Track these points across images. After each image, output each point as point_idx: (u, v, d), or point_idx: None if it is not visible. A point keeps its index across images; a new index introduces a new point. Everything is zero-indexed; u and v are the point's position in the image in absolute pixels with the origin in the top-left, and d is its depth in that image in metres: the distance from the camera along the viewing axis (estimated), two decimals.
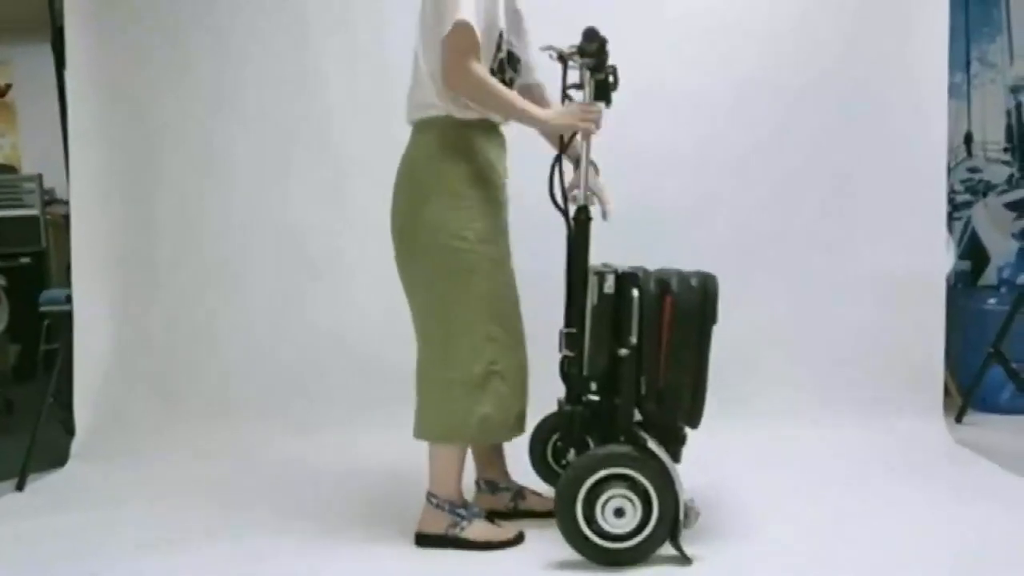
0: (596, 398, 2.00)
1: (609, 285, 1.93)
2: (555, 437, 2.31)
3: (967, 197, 3.74)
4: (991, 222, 3.73)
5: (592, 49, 2.00)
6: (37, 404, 2.84)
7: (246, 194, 3.26)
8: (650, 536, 1.87)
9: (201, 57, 3.22)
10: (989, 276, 3.74)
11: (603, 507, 1.86)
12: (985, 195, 3.73)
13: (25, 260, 4.57)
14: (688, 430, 2.00)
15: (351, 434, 2.95)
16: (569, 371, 2.05)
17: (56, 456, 2.90)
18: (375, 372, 3.08)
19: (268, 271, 3.25)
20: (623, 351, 1.90)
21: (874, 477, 2.47)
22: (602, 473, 1.86)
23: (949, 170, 3.28)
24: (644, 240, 3.06)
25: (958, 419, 3.19)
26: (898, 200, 3.07)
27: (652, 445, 1.89)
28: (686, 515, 1.88)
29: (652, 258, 2.87)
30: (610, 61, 2.05)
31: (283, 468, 2.74)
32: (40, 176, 4.82)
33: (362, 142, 3.18)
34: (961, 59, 3.65)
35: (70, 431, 2.99)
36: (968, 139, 3.72)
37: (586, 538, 1.88)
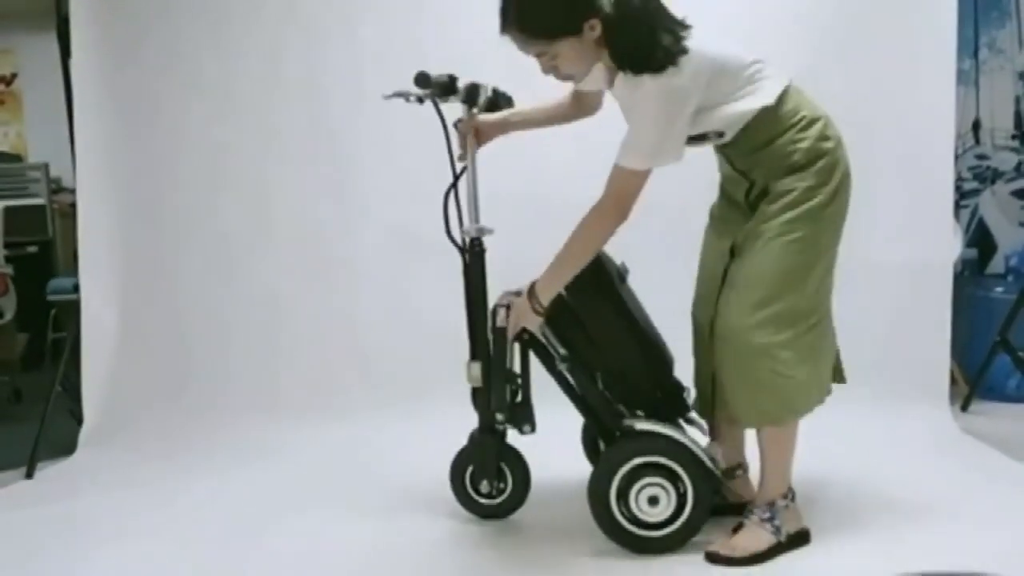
0: (504, 426, 2.06)
1: (500, 319, 1.95)
2: (471, 468, 2.17)
3: (975, 185, 3.72)
4: (999, 210, 3.71)
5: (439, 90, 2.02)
6: (45, 393, 2.87)
7: (252, 184, 3.27)
8: (687, 522, 1.88)
9: (206, 47, 3.22)
10: (996, 264, 3.72)
11: (637, 496, 1.87)
12: (993, 183, 3.71)
13: (32, 249, 4.58)
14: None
15: (356, 426, 2.96)
16: (480, 402, 2.07)
17: (65, 444, 2.91)
18: (380, 364, 3.09)
19: (273, 262, 3.26)
20: (562, 365, 1.95)
21: (879, 465, 2.47)
22: (637, 462, 1.86)
23: (957, 157, 3.26)
24: (650, 234, 3.06)
25: (964, 407, 3.19)
26: (905, 188, 3.06)
27: (667, 429, 1.90)
28: (713, 461, 1.90)
29: (658, 251, 2.87)
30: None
31: (288, 458, 2.75)
32: (46, 165, 4.84)
33: (366, 139, 3.18)
34: (970, 45, 3.63)
35: (78, 420, 3.01)
36: (976, 126, 3.69)
37: (623, 527, 1.89)
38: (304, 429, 2.96)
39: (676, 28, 1.74)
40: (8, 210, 4.10)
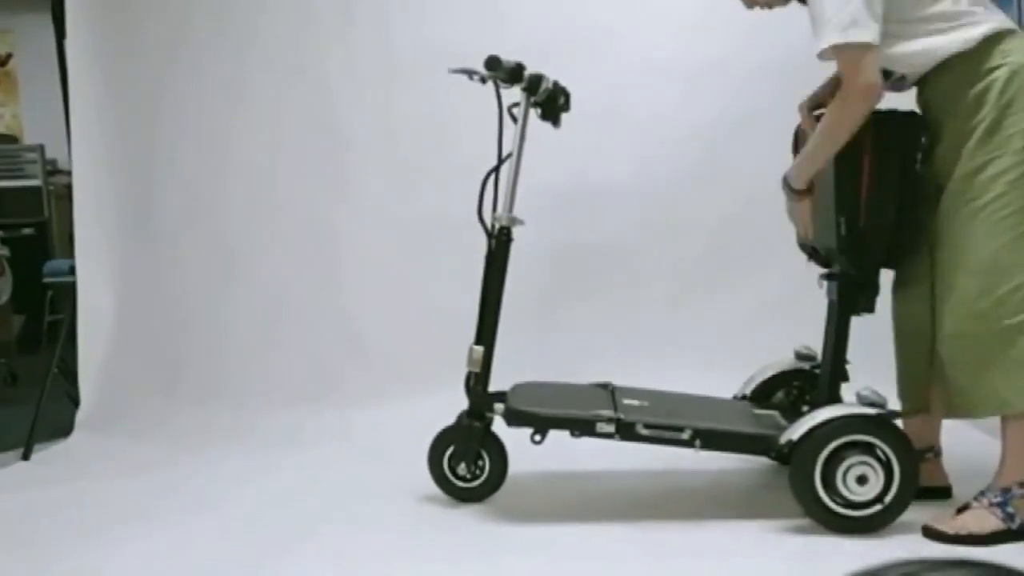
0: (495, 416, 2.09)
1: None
2: (450, 451, 2.15)
3: None
4: None
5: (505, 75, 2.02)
6: (42, 375, 2.87)
7: (249, 167, 3.25)
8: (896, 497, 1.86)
9: (203, 26, 3.20)
10: None
11: (844, 475, 1.86)
12: None
13: (28, 231, 4.58)
14: None
15: (353, 414, 2.94)
16: (474, 387, 2.09)
17: (61, 426, 2.92)
18: (378, 353, 3.09)
19: (271, 248, 3.25)
20: None
21: None
22: (839, 441, 1.85)
23: None
24: (650, 212, 3.06)
25: None
26: None
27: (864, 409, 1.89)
28: None
29: (658, 227, 2.86)
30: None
31: (282, 443, 2.75)
32: (42, 146, 4.83)
33: (364, 126, 3.17)
34: None
35: (75, 402, 3.01)
36: None
37: (826, 507, 1.88)
38: (299, 416, 2.95)
39: None
40: (3, 192, 4.10)
